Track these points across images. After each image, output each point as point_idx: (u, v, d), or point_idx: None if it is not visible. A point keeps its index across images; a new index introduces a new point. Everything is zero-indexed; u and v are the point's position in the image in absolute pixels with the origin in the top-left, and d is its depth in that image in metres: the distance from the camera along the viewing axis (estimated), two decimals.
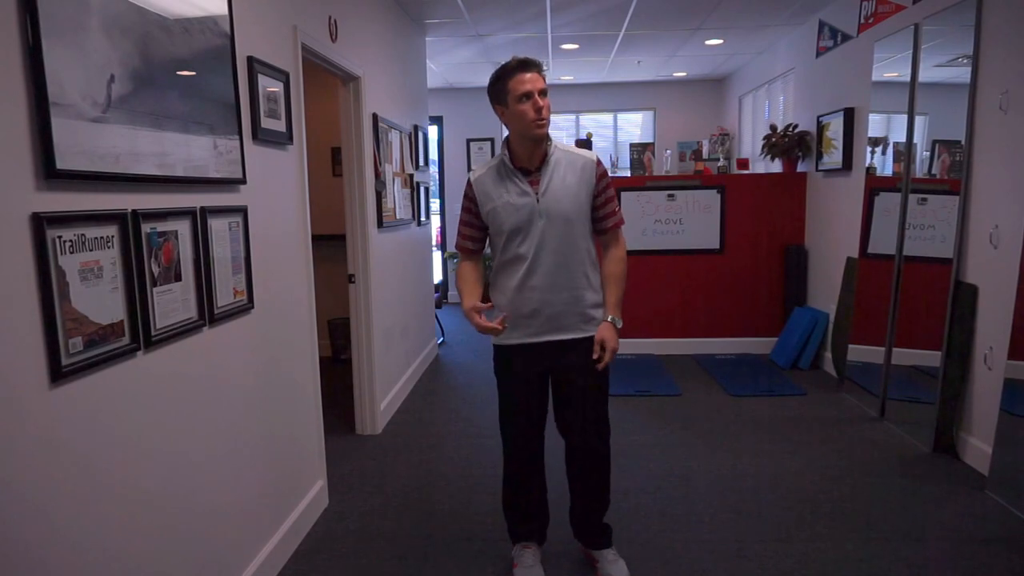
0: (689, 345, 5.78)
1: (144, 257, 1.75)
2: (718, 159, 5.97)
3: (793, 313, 5.52)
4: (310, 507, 2.89)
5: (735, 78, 7.84)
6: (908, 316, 3.94)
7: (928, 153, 3.85)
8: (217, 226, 2.14)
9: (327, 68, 3.41)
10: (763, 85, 6.90)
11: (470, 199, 2.33)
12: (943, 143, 3.73)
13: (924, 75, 3.78)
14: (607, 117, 8.64)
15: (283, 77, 2.67)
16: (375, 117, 4.03)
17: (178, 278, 1.92)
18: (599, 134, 8.42)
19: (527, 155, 2.26)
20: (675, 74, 7.92)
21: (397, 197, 4.56)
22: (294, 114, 2.79)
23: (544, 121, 2.17)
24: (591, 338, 2.31)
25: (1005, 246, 3.11)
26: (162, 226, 1.84)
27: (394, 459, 3.61)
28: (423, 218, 5.46)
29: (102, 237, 1.60)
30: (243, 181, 2.31)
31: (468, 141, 8.69)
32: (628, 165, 6.03)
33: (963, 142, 3.41)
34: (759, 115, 7.13)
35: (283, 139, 2.68)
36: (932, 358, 3.59)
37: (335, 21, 3.40)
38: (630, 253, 6.17)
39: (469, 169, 8.72)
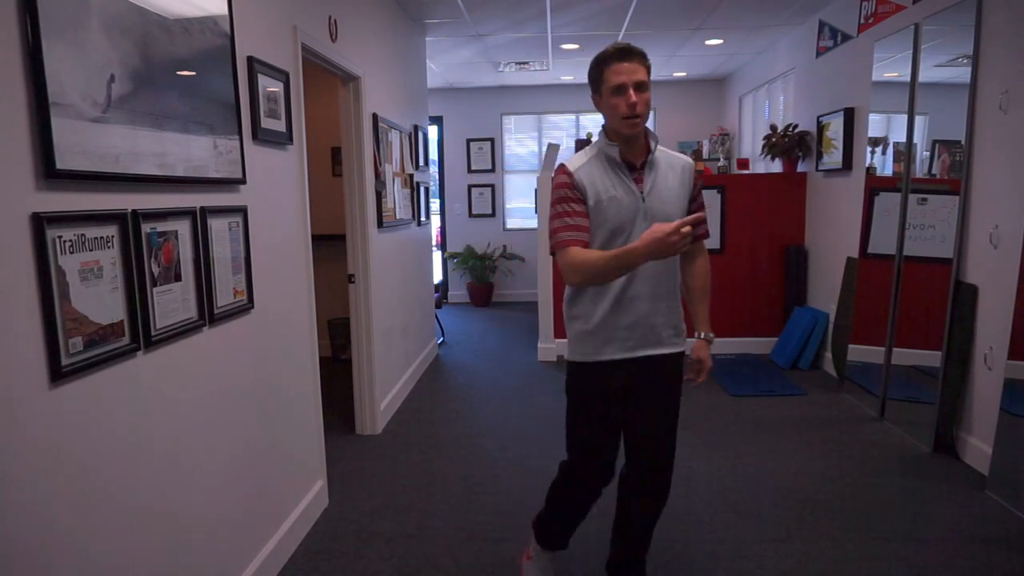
0: (688, 344, 5.77)
1: (144, 257, 1.75)
2: (718, 159, 5.97)
3: (793, 313, 5.52)
4: (310, 507, 2.89)
5: (735, 78, 7.84)
6: (908, 316, 3.94)
7: (928, 153, 3.85)
8: (217, 226, 2.14)
9: (327, 68, 3.41)
10: (763, 85, 6.90)
11: (576, 188, 2.04)
12: (943, 143, 3.73)
13: (924, 75, 3.78)
14: None
15: (283, 77, 2.67)
16: (375, 117, 4.03)
17: (178, 278, 1.92)
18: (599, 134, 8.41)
19: (628, 150, 2.06)
20: (675, 74, 7.92)
21: (397, 197, 4.56)
22: (294, 114, 2.79)
23: (638, 118, 1.96)
24: (680, 353, 2.22)
25: (1005, 246, 3.10)
26: (162, 226, 1.84)
27: (394, 459, 3.62)
28: (423, 218, 5.46)
29: (102, 237, 1.60)
30: (243, 181, 2.31)
31: (468, 141, 8.69)
32: None
33: (963, 142, 3.41)
34: (759, 115, 7.13)
35: (283, 139, 2.68)
36: (932, 358, 3.59)
37: (335, 21, 3.40)
38: None
39: (470, 170, 8.75)
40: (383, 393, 4.14)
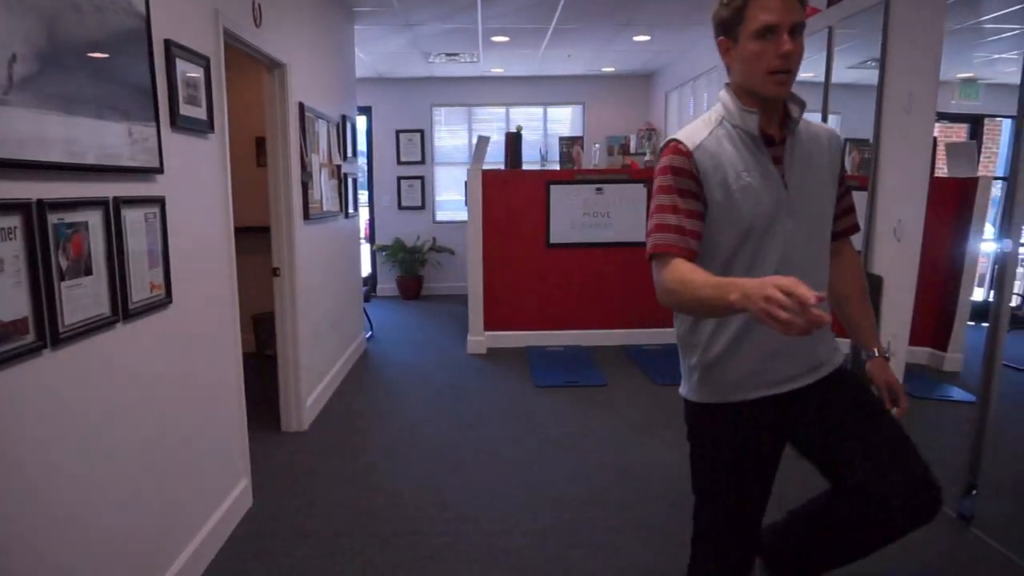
0: (617, 336, 5.91)
1: (51, 250, 1.65)
2: (645, 154, 6.10)
3: None
4: (233, 507, 2.80)
5: (662, 74, 8.02)
6: None
7: None
8: (132, 217, 2.04)
9: (251, 54, 3.30)
10: (689, 82, 7.08)
11: (693, 174, 1.49)
12: (854, 141, 3.93)
13: (837, 76, 3.96)
14: (537, 110, 8.70)
15: (203, 62, 2.57)
16: (301, 106, 3.92)
17: (89, 272, 1.82)
18: (529, 127, 8.47)
19: (765, 117, 1.53)
20: (604, 69, 8.04)
21: (324, 188, 4.46)
22: (216, 101, 2.68)
23: (788, 75, 1.46)
24: (840, 369, 1.73)
25: (908, 239, 3.30)
26: (71, 216, 1.74)
27: (322, 456, 3.55)
28: (351, 210, 5.36)
29: (4, 228, 1.50)
30: (160, 170, 2.21)
31: (398, 132, 8.58)
32: (558, 158, 6.09)
33: (871, 141, 3.60)
34: (685, 111, 7.31)
35: (204, 127, 2.58)
36: (844, 344, 3.78)
37: (259, 6, 3.29)
38: (559, 246, 6.21)
39: (399, 161, 8.62)
40: (310, 389, 4.06)
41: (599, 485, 3.15)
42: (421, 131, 8.59)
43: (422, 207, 8.71)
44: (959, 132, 3.35)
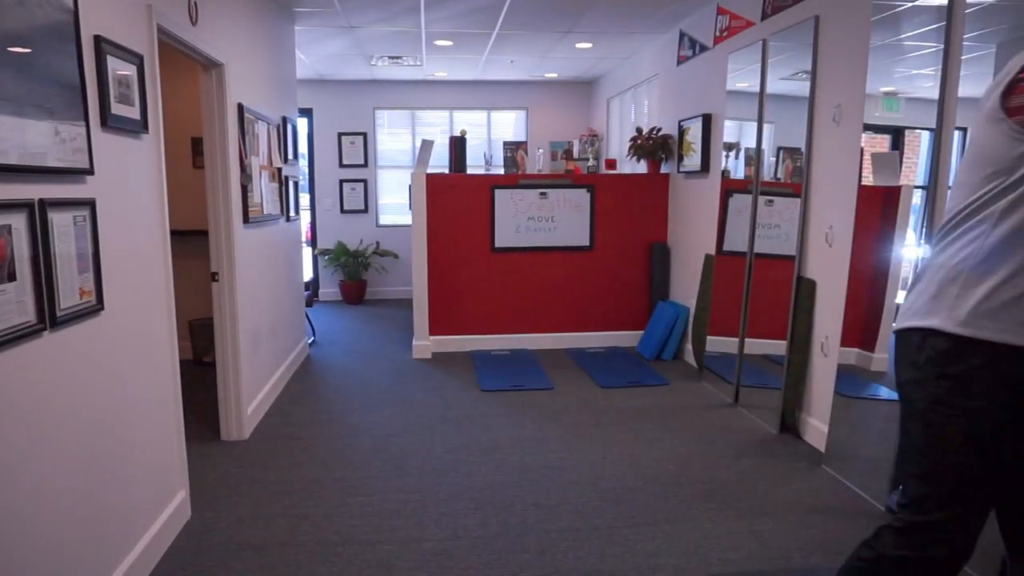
0: (561, 339, 5.96)
1: None
2: (588, 159, 6.18)
3: (657, 307, 5.83)
4: (171, 520, 2.71)
5: (604, 81, 8.15)
6: (758, 309, 4.28)
7: (774, 158, 4.19)
8: (60, 220, 1.95)
9: (187, 53, 3.20)
10: (630, 89, 7.22)
11: None
12: (787, 150, 4.07)
13: (771, 87, 4.11)
14: (481, 115, 8.71)
15: (136, 60, 2.48)
16: (240, 107, 3.83)
17: (12, 278, 1.74)
18: (473, 132, 8.47)
19: None
20: (547, 75, 8.11)
21: (264, 191, 4.36)
22: (150, 100, 2.60)
23: None
24: None
25: (838, 245, 3.44)
26: None
27: (263, 465, 3.47)
28: (292, 213, 5.26)
29: None
30: (90, 171, 2.12)
31: (340, 135, 8.46)
32: (502, 163, 6.11)
33: (803, 149, 3.74)
34: (626, 117, 7.45)
35: (137, 127, 2.49)
36: (779, 347, 3.92)
37: (195, 3, 3.20)
38: (504, 250, 6.24)
39: (341, 164, 8.52)
40: (250, 397, 3.96)
41: (545, 489, 3.18)
42: (364, 134, 8.49)
43: (365, 210, 8.61)
44: (882, 143, 3.52)
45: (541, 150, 6.29)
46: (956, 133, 2.78)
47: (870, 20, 3.14)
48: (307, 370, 5.29)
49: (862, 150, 3.32)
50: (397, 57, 6.92)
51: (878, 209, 3.35)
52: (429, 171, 5.60)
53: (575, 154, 6.20)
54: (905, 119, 3.36)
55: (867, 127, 3.30)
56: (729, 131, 4.75)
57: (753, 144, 4.26)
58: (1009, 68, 1.43)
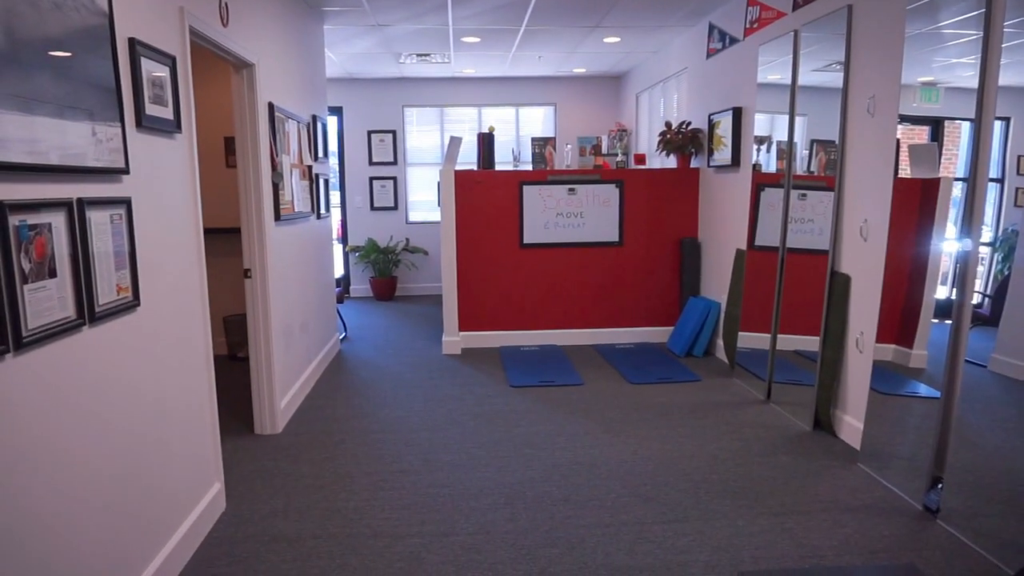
0: (591, 335, 5.94)
1: (12, 252, 1.61)
2: (617, 154, 6.14)
3: (688, 303, 5.77)
4: (207, 512, 2.76)
5: (632, 76, 8.08)
6: (791, 304, 4.21)
7: (807, 152, 4.12)
8: (97, 218, 2.00)
9: (218, 54, 3.26)
10: (658, 83, 7.15)
11: None
12: (820, 142, 4.00)
13: (803, 78, 4.03)
14: (509, 111, 8.71)
15: (169, 61, 2.53)
16: (271, 106, 3.88)
17: (53, 274, 1.79)
18: (501, 128, 8.48)
19: None
20: (575, 70, 8.08)
21: (295, 189, 4.42)
22: (183, 101, 2.65)
23: None
24: None
25: (873, 239, 3.37)
26: (33, 218, 1.70)
27: (295, 458, 3.52)
28: (323, 211, 5.32)
29: None
30: (126, 171, 2.17)
31: (369, 133, 8.53)
32: (530, 159, 6.10)
33: (837, 142, 3.66)
34: (655, 112, 7.38)
35: (170, 127, 2.54)
36: (812, 343, 3.85)
37: (226, 5, 3.25)
38: (533, 246, 6.23)
39: (371, 162, 8.59)
40: (283, 391, 4.02)
41: (574, 484, 3.17)
42: (393, 132, 8.55)
43: (395, 208, 8.67)
44: (921, 134, 3.44)
45: (569, 146, 6.27)
46: (997, 124, 2.70)
47: (905, 8, 3.07)
48: (339, 365, 5.35)
49: (898, 141, 3.25)
50: (425, 55, 6.94)
51: (916, 202, 3.27)
52: (458, 168, 5.61)
53: (604, 149, 6.16)
54: (944, 109, 3.28)
55: (905, 118, 3.22)
56: (760, 124, 4.68)
57: (785, 137, 4.19)
58: None
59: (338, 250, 8.16)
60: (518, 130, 8.74)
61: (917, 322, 3.29)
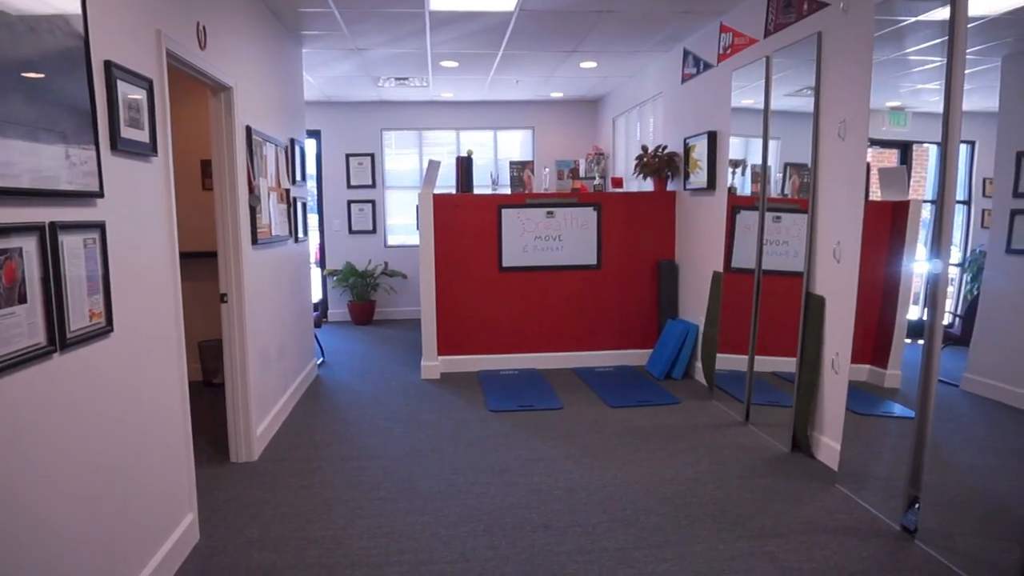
0: (569, 359, 5.93)
1: None
2: (594, 177, 6.20)
3: (666, 325, 5.80)
4: (179, 544, 2.69)
5: (609, 100, 8.19)
6: (767, 326, 4.25)
7: (781, 175, 4.19)
8: (70, 243, 1.97)
9: (196, 77, 3.24)
10: (635, 107, 7.25)
11: None
12: (793, 166, 4.07)
13: (776, 103, 4.12)
14: (487, 135, 8.76)
15: (146, 84, 2.51)
16: (248, 130, 3.87)
17: (23, 300, 1.75)
18: (479, 152, 8.52)
19: None
20: (552, 94, 8.17)
21: (273, 213, 4.39)
22: (159, 124, 2.62)
23: None
24: None
25: (846, 260, 3.42)
26: (3, 243, 1.67)
27: (271, 486, 3.45)
28: (301, 234, 5.29)
29: None
30: (100, 194, 2.14)
31: (347, 156, 8.52)
32: (509, 182, 6.13)
33: (809, 165, 3.73)
34: (632, 135, 7.47)
35: (146, 150, 2.52)
36: (789, 364, 3.89)
37: (204, 28, 3.25)
38: (512, 269, 6.25)
39: (349, 185, 8.57)
40: (259, 418, 3.95)
41: (554, 510, 3.14)
42: (372, 155, 8.55)
43: (373, 231, 8.65)
44: (890, 157, 3.52)
45: (547, 169, 6.31)
46: (963, 147, 2.77)
47: (873, 36, 3.15)
48: (316, 391, 5.29)
49: (869, 165, 3.32)
50: (404, 78, 6.98)
51: (887, 224, 3.34)
52: (436, 191, 5.62)
53: (581, 173, 6.21)
54: (912, 133, 3.36)
55: (874, 142, 3.30)
56: (735, 148, 4.76)
57: (759, 160, 4.26)
58: None
59: (316, 274, 8.10)
60: (496, 153, 8.79)
61: (891, 342, 3.33)
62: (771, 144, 4.18)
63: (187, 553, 2.77)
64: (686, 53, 5.60)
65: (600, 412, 4.63)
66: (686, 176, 5.56)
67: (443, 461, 3.75)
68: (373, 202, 8.61)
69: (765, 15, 4.24)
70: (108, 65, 2.23)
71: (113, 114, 2.25)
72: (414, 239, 8.06)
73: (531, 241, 5.78)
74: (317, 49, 5.70)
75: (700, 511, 3.09)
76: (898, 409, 3.26)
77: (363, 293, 8.39)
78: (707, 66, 5.20)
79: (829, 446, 3.56)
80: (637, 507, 3.15)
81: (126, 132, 2.34)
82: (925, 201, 3.26)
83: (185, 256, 2.94)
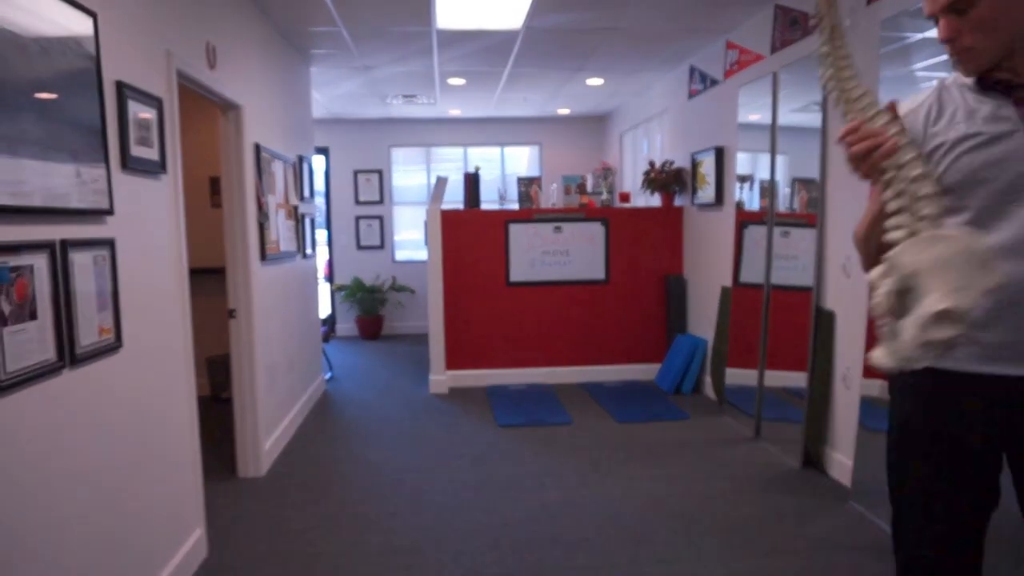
0: (578, 374, 5.91)
1: None
2: (601, 193, 6.21)
3: (675, 340, 5.78)
4: (187, 559, 2.69)
5: (616, 116, 8.22)
6: (777, 341, 4.22)
7: (789, 189, 4.18)
8: (80, 260, 1.98)
9: (206, 96, 3.28)
10: (642, 123, 7.27)
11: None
12: (801, 180, 4.06)
13: (783, 119, 4.12)
14: (495, 151, 8.80)
15: (156, 103, 2.54)
16: (257, 147, 3.90)
17: (33, 316, 1.76)
18: (487, 168, 8.55)
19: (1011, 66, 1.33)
20: (559, 111, 8.21)
21: (281, 229, 4.42)
22: (168, 142, 2.65)
23: (961, 55, 1.36)
24: None
25: (856, 275, 3.41)
26: (15, 260, 1.68)
27: (279, 502, 3.44)
28: (309, 250, 5.31)
29: None
30: (110, 212, 2.16)
31: (355, 172, 8.58)
32: (516, 198, 6.15)
33: (818, 180, 3.73)
34: (639, 151, 7.49)
35: (156, 168, 2.54)
36: (800, 379, 3.86)
37: (213, 48, 3.29)
38: (519, 284, 6.24)
39: (357, 201, 8.61)
40: (267, 433, 3.95)
41: (564, 526, 3.12)
42: (379, 171, 8.60)
43: (381, 246, 8.68)
44: None
45: (555, 185, 6.33)
46: None
47: (879, 53, 3.15)
48: (324, 406, 5.29)
49: None
50: (411, 96, 7.04)
51: None
52: (444, 207, 5.64)
53: (589, 188, 6.23)
54: None
55: None
56: (743, 163, 4.76)
57: (767, 176, 4.26)
58: None
59: (325, 289, 8.12)
60: (504, 169, 8.82)
61: None
62: (779, 159, 4.18)
63: (195, 568, 2.76)
64: (692, 70, 5.63)
65: (609, 427, 4.60)
66: (694, 191, 5.56)
67: (451, 476, 3.73)
68: (381, 218, 8.65)
69: (771, 32, 4.26)
70: (119, 85, 2.26)
71: (123, 133, 2.28)
72: (422, 254, 8.07)
73: (539, 256, 5.79)
74: (325, 67, 5.75)
75: (711, 527, 3.06)
76: None
77: (371, 308, 8.41)
78: (714, 82, 5.21)
79: (841, 462, 3.52)
80: (647, 523, 3.13)
81: (136, 150, 2.36)
82: None
83: (194, 272, 2.96)
